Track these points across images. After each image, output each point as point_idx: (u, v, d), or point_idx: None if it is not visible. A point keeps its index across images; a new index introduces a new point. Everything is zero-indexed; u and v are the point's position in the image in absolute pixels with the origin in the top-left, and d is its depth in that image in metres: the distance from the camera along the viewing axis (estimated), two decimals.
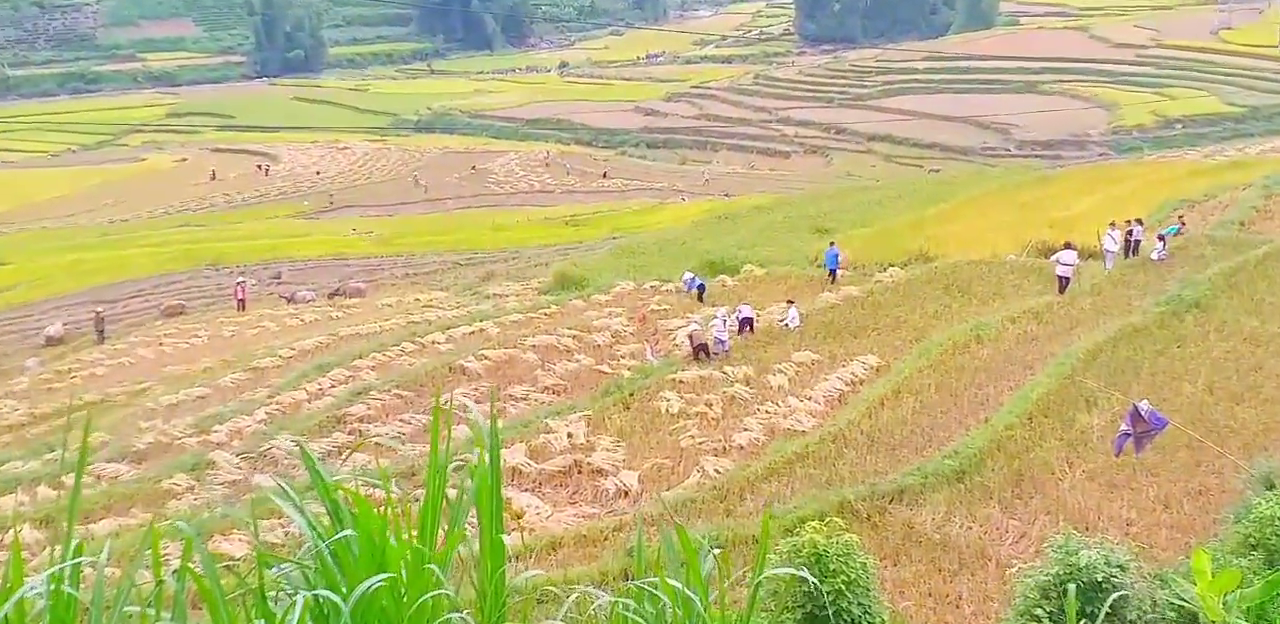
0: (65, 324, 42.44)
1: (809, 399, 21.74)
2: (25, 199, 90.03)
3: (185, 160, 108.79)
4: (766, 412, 21.22)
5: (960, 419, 19.67)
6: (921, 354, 23.35)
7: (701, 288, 30.94)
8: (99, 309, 41.01)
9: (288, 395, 25.69)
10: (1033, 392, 20.01)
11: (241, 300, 41.59)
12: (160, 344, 36.66)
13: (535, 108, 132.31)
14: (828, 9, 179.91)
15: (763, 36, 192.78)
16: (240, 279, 43.36)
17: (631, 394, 22.69)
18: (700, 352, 24.83)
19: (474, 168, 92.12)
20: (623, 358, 26.38)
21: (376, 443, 20.81)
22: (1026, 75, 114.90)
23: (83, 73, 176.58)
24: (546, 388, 24.66)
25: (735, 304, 28.38)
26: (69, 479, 20.70)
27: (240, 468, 21.07)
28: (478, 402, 23.48)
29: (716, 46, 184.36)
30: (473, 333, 30.14)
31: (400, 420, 22.99)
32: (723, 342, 25.10)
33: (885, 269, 32.40)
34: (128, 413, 27.60)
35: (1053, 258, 29.18)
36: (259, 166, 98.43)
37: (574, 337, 27.92)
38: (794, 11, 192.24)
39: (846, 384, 22.54)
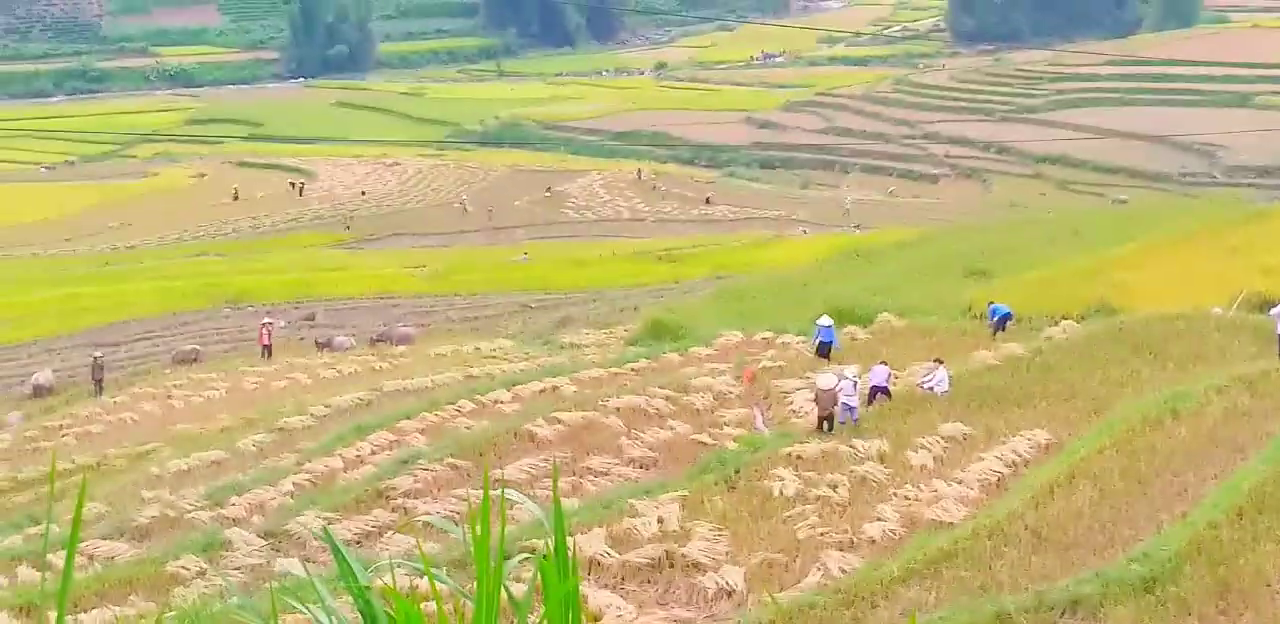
0: (56, 371, 43.56)
1: (959, 483, 21.51)
2: (11, 220, 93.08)
3: (204, 176, 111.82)
4: (905, 497, 21.03)
5: (1151, 514, 19.32)
6: (1103, 431, 23.00)
7: (827, 344, 30.73)
8: (97, 354, 42.04)
9: (320, 463, 26.08)
10: (1244, 481, 19.60)
11: (267, 346, 42.40)
12: (169, 397, 37.48)
13: (624, 118, 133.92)
14: (988, 1, 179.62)
15: (906, 34, 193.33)
16: (266, 320, 44.23)
17: (737, 471, 22.64)
18: (825, 420, 24.73)
19: (549, 190, 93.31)
20: (727, 425, 26.37)
21: (424, 523, 21.01)
22: (1238, 85, 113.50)
23: (84, 69, 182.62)
24: (632, 460, 24.73)
25: (867, 363, 28.25)
26: (57, 558, 21.29)
27: (261, 550, 21.39)
28: (548, 476, 23.63)
29: (848, 45, 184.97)
30: (544, 391, 30.37)
31: (454, 497, 23.20)
32: (851, 408, 24.98)
33: (1057, 323, 32.06)
34: (128, 480, 28.22)
35: (1270, 313, 28.69)
36: (291, 185, 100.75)
37: (667, 398, 27.98)
38: (945, 4, 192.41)
39: (1007, 465, 22.26)
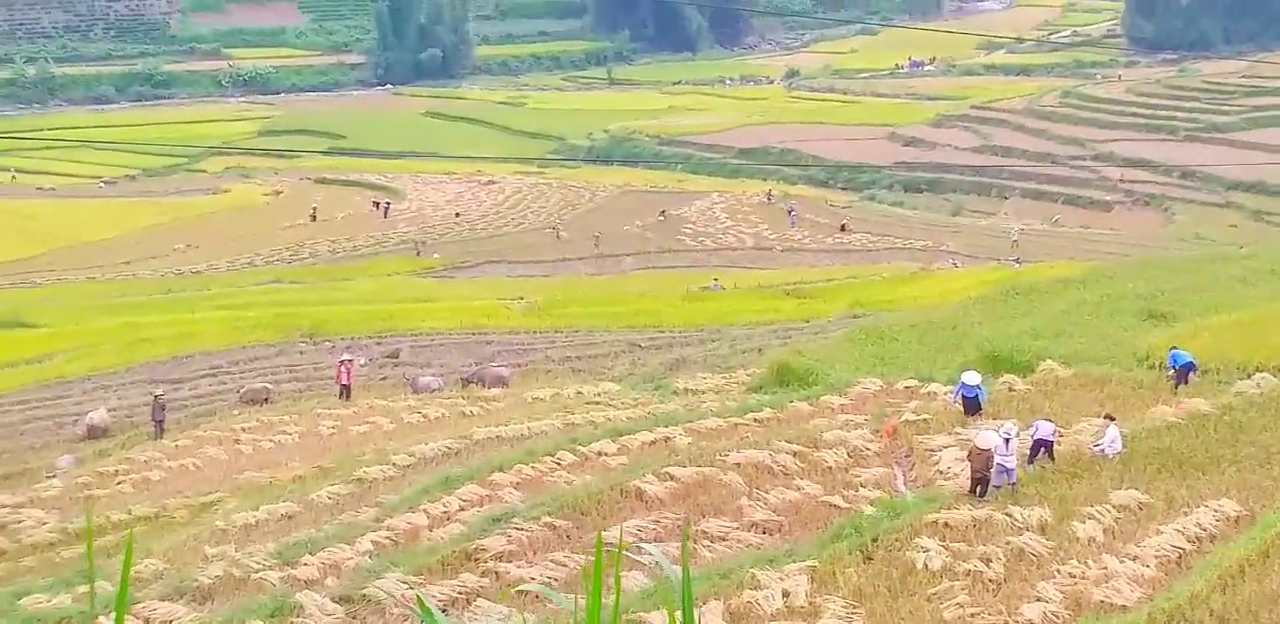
0: (112, 410, 44.47)
1: (1133, 559, 21.20)
2: (66, 239, 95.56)
3: (279, 194, 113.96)
4: (1070, 575, 20.77)
5: None
6: None
7: (975, 399, 30.33)
8: (157, 392, 42.91)
9: (402, 519, 26.36)
10: None
11: (346, 386, 42.98)
12: (236, 442, 38.12)
13: (751, 132, 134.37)
14: (1172, 4, 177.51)
15: (1076, 39, 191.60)
16: (345, 357, 44.83)
17: (874, 540, 22.52)
18: (978, 484, 24.52)
19: (663, 213, 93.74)
20: (863, 487, 26.25)
21: (519, 591, 21.14)
22: None
23: (150, 73, 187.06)
24: (755, 524, 24.69)
25: (1027, 418, 27.96)
26: (108, 621, 21.65)
27: (335, 617, 21.65)
28: (658, 539, 23.68)
29: (1009, 52, 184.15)
30: (654, 442, 30.44)
31: (552, 561, 23.32)
32: (1008, 471, 24.74)
33: (1250, 375, 31.51)
34: (189, 534, 28.73)
35: None
36: (376, 205, 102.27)
37: (795, 454, 27.92)
38: (1122, 7, 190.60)
39: (1190, 541, 21.90)
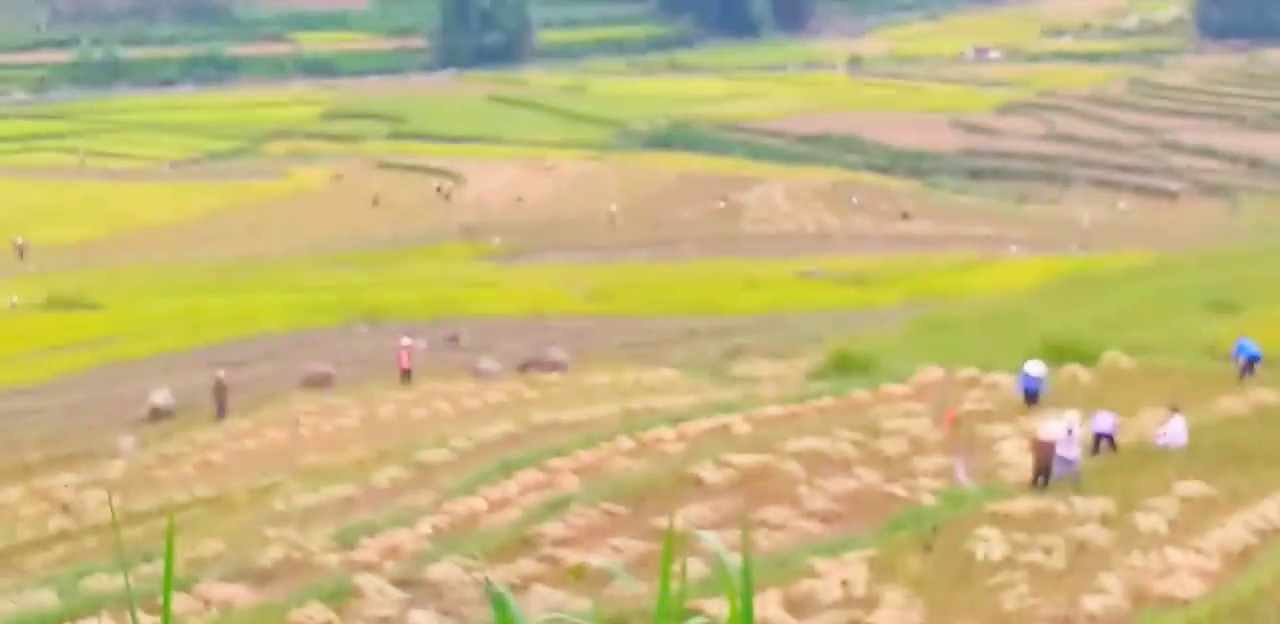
0: (174, 392, 44.86)
1: (1197, 552, 21.00)
2: (129, 222, 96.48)
3: (341, 178, 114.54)
4: (1132, 567, 20.60)
5: None
6: None
7: (1032, 392, 30.13)
8: (219, 374, 43.17)
9: (461, 503, 26.46)
10: None
11: (406, 370, 43.17)
12: (297, 424, 38.33)
13: (813, 118, 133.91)
14: None
15: (1144, 26, 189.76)
16: (405, 341, 44.99)
17: (935, 529, 22.42)
18: (1040, 474, 24.37)
19: (724, 200, 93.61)
20: (923, 476, 26.14)
21: (575, 573, 21.15)
22: None
23: (214, 56, 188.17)
24: (813, 513, 24.63)
25: (1090, 409, 27.76)
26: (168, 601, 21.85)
27: (394, 600, 21.75)
28: (716, 527, 23.66)
29: (1075, 38, 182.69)
30: (712, 430, 30.44)
31: (610, 546, 23.34)
32: (1070, 461, 24.57)
33: None
34: (250, 516, 28.94)
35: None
36: (438, 189, 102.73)
37: (855, 442, 27.85)
38: None
39: (1255, 533, 21.69)
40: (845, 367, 37.28)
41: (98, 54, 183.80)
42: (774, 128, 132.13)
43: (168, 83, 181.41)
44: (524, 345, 49.62)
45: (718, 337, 50.68)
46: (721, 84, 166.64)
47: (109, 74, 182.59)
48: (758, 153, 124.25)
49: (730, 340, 48.98)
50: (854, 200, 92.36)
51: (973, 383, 33.65)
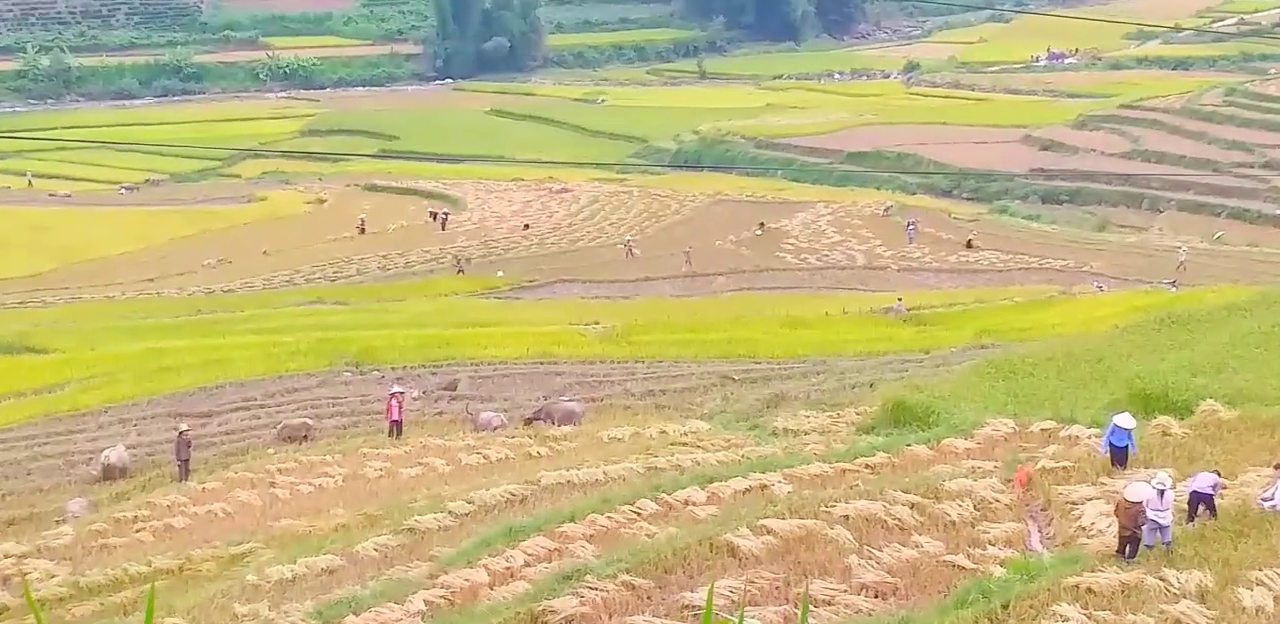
0: (130, 448, 44.79)
1: None
2: (82, 253, 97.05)
3: (324, 202, 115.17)
4: None
5: None
6: None
7: (1121, 449, 29.82)
8: (182, 427, 43.20)
9: (459, 575, 26.38)
10: None
11: (396, 422, 43.14)
12: (272, 485, 38.34)
13: (862, 134, 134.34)
14: None
15: (1243, 29, 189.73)
16: (396, 389, 45.02)
17: (1006, 606, 22.31)
18: (1127, 542, 24.23)
19: (761, 226, 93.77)
20: (991, 545, 26.00)
21: None
22: None
23: (179, 65, 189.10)
24: (865, 587, 24.52)
25: (1185, 468, 27.63)
26: None
27: None
28: (754, 603, 23.56)
29: (1164, 42, 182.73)
30: (749, 491, 30.33)
31: None
32: (1163, 528, 24.43)
33: None
34: (217, 589, 28.90)
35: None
36: (433, 215, 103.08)
37: (912, 505, 27.70)
38: None
39: None
40: (901, 418, 37.15)
41: (45, 62, 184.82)
42: (818, 145, 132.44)
43: (125, 95, 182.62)
44: (531, 394, 49.60)
45: (755, 383, 50.59)
46: (757, 95, 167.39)
47: (58, 85, 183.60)
48: (799, 173, 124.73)
49: (769, 388, 48.91)
50: (910, 227, 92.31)
51: (1048, 437, 33.46)
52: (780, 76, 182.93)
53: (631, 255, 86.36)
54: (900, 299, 67.12)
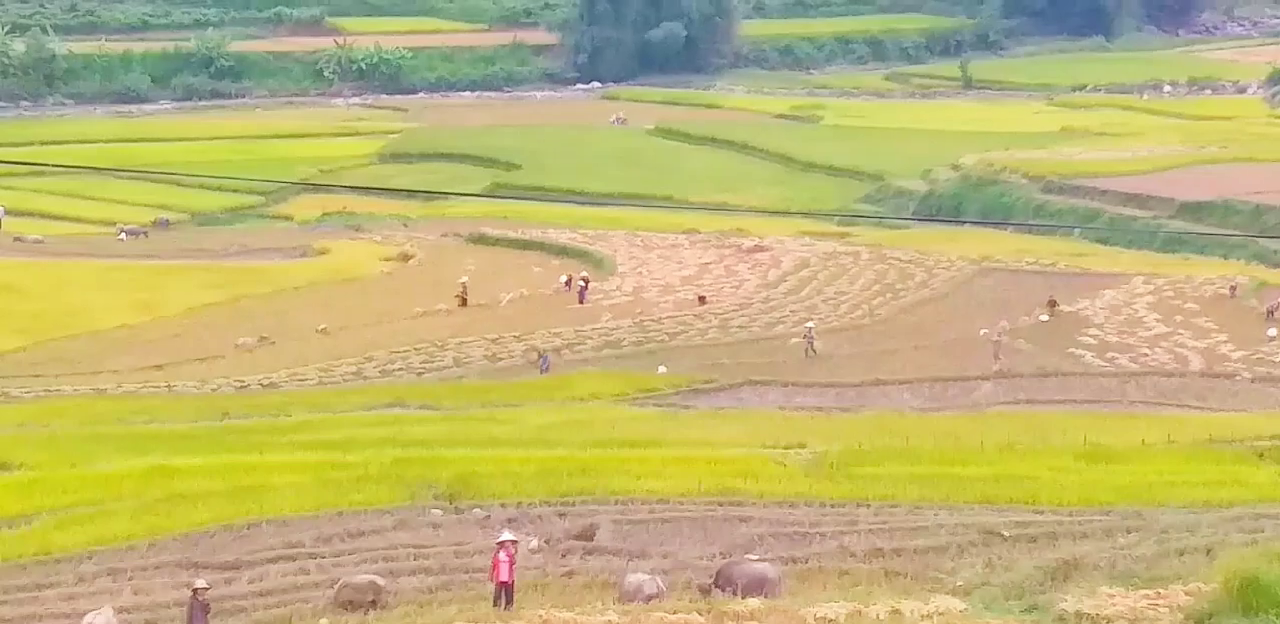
0: (123, 612, 45.21)
1: None
2: (62, 326, 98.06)
3: (410, 259, 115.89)
4: None
5: None
6: None
7: None
8: (198, 584, 43.55)
9: None
10: None
11: (505, 584, 43.23)
12: None
13: (1204, 175, 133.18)
14: None
15: None
16: (506, 537, 45.12)
17: None
18: None
19: (1050, 308, 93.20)
20: None
21: None
22: None
23: (209, 54, 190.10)
24: None
25: None
26: None
27: None
28: None
29: None
30: None
31: None
32: None
33: None
34: None
35: None
36: (567, 281, 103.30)
37: None
38: None
39: None
40: (1254, 602, 36.81)
41: (19, 47, 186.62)
42: (1137, 190, 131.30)
43: (131, 97, 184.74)
44: (704, 549, 49.54)
45: (1033, 543, 50.27)
46: (1048, 114, 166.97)
47: (36, 81, 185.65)
48: (1108, 232, 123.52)
49: (1055, 551, 48.58)
50: (1272, 315, 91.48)
51: None
52: (1082, 87, 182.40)
53: (811, 352, 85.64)
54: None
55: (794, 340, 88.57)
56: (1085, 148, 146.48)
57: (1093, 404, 77.17)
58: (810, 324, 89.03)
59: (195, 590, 42.52)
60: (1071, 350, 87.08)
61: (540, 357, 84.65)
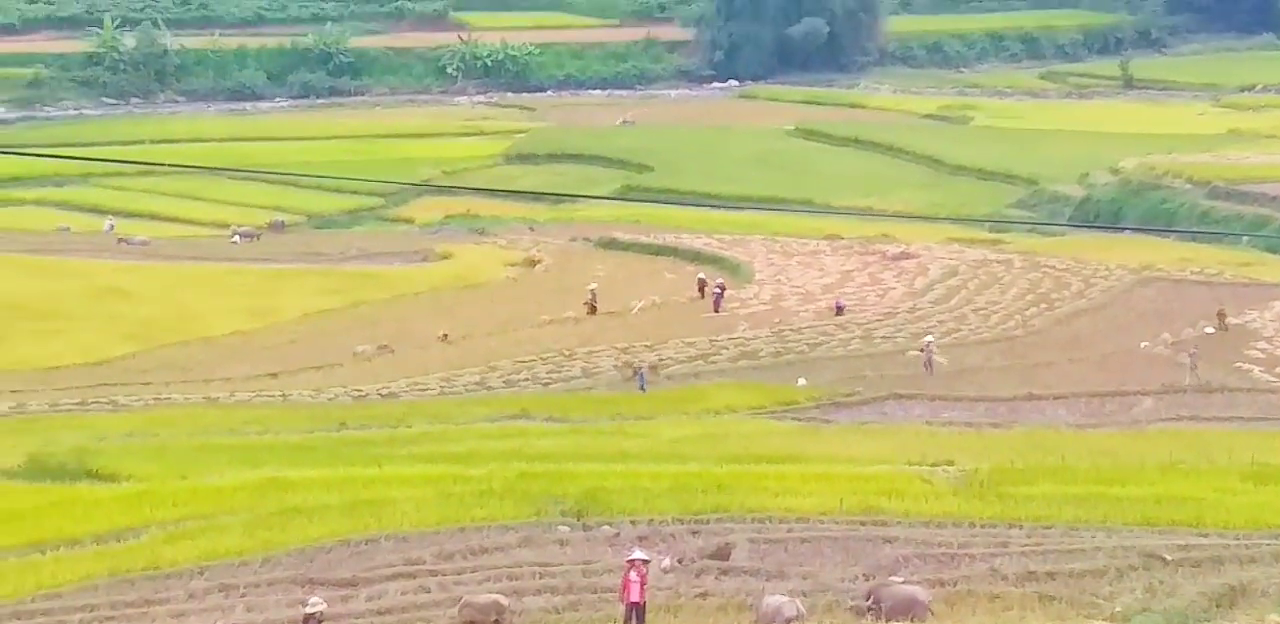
0: None
1: None
2: (172, 332, 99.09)
3: (537, 263, 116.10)
4: None
5: None
6: None
7: None
8: (314, 604, 43.71)
9: None
10: None
11: (636, 605, 43.17)
12: None
13: None
14: None
15: None
16: (638, 555, 45.02)
17: None
18: None
19: (1217, 321, 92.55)
20: None
21: None
22: None
23: (327, 49, 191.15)
24: None
25: None
26: None
27: None
28: None
29: None
30: None
31: None
32: None
33: None
34: None
35: None
36: (701, 287, 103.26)
37: None
38: None
39: None
40: None
41: (129, 43, 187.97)
42: None
43: (246, 95, 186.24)
44: (846, 570, 49.39)
45: (1198, 568, 49.91)
46: (1215, 115, 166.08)
47: (147, 78, 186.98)
48: (1278, 239, 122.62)
49: (1221, 576, 48.24)
50: None
51: None
52: (1251, 87, 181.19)
53: (930, 367, 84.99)
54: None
55: (910, 353, 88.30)
56: (1254, 151, 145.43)
57: (1261, 422, 76.42)
58: (929, 338, 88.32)
59: (310, 609, 42.63)
60: (1239, 364, 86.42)
61: (636, 372, 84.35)
